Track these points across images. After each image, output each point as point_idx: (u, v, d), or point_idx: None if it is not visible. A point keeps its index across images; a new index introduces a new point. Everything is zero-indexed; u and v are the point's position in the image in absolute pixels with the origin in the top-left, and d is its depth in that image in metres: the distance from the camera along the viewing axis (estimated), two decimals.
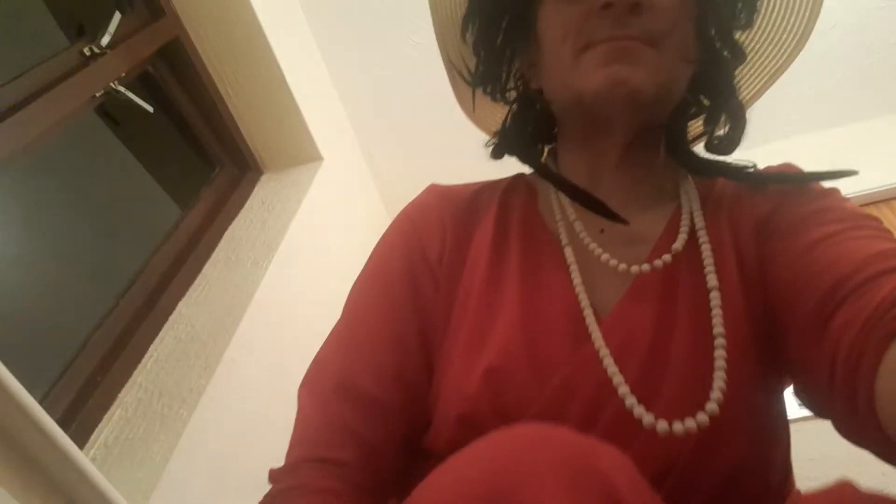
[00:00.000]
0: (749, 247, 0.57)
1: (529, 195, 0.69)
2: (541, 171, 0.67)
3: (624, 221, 0.59)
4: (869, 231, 0.51)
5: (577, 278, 0.58)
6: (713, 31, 0.61)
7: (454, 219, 0.65)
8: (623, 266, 0.58)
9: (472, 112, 0.74)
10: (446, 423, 0.55)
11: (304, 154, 1.99)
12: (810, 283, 0.48)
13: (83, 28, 1.52)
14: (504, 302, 0.58)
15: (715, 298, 0.54)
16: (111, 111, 1.62)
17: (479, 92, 0.71)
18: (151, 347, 1.35)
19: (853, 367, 0.41)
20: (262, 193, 1.92)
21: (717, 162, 0.64)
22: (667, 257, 0.57)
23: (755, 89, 0.69)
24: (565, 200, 0.64)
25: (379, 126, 2.23)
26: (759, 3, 0.63)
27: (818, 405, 0.52)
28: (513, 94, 0.72)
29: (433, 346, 0.60)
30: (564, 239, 0.61)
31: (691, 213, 0.60)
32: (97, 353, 1.29)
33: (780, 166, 0.64)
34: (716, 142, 0.65)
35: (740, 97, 0.65)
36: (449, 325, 0.59)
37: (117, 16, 1.54)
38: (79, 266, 2.56)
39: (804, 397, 0.55)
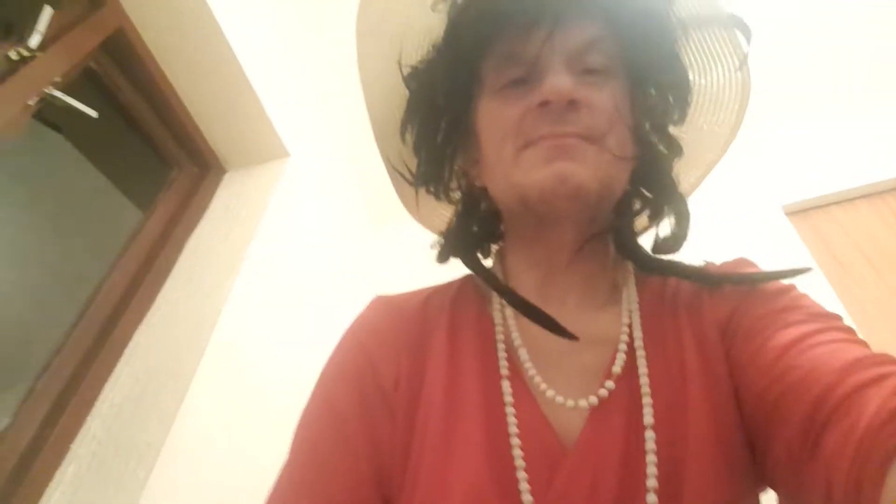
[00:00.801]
0: (715, 350, 0.55)
1: (481, 302, 0.65)
2: (487, 279, 0.64)
3: (573, 337, 0.55)
4: (836, 333, 0.49)
5: (513, 424, 0.53)
6: (648, 127, 0.62)
7: (408, 338, 0.61)
8: (570, 402, 0.54)
9: (416, 211, 0.73)
10: None
11: (268, 151, 1.85)
12: (789, 396, 0.46)
13: (11, 27, 1.35)
14: (465, 435, 0.53)
15: (650, 440, 0.50)
16: (51, 118, 1.46)
17: (423, 191, 0.69)
18: (107, 388, 1.25)
19: (854, 495, 0.39)
20: (225, 197, 1.78)
21: (667, 261, 0.62)
22: (609, 384, 0.54)
23: (694, 179, 0.70)
24: (510, 313, 0.61)
25: (354, 116, 2.08)
26: (690, 99, 0.64)
27: None
28: (457, 194, 0.70)
29: (392, 485, 0.54)
30: (504, 368, 0.57)
31: (630, 327, 0.58)
32: (47, 398, 1.18)
33: (735, 262, 0.63)
34: (661, 242, 0.64)
35: (680, 189, 0.66)
36: (408, 462, 0.54)
37: (48, 10, 1.37)
38: (36, 277, 2.42)
39: None
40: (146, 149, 1.76)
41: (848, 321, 1.70)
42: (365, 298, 0.69)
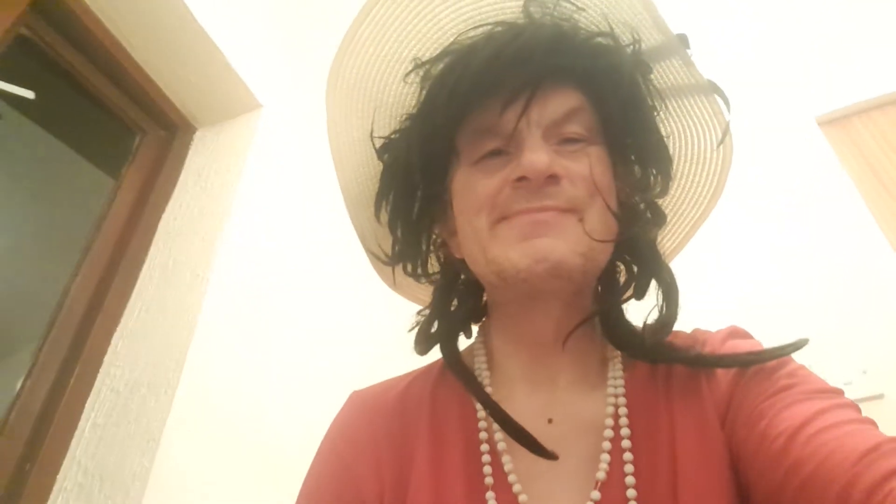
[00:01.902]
0: (715, 438, 0.52)
1: (463, 395, 0.61)
2: (468, 384, 0.59)
3: (553, 457, 0.52)
4: (841, 412, 0.47)
5: None
6: (631, 196, 0.61)
7: (389, 443, 0.59)
8: None
9: (395, 289, 0.71)
10: None
11: (238, 104, 1.67)
12: (805, 491, 0.43)
13: None
14: None
15: None
16: None
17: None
18: (87, 407, 1.18)
19: None
20: (198, 162, 1.63)
21: (656, 347, 0.57)
22: (595, 495, 0.51)
23: (676, 243, 0.69)
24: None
25: (329, 57, 1.86)
26: (671, 169, 0.63)
27: None
28: (436, 270, 0.69)
29: None
30: (489, 478, 0.54)
31: (616, 416, 0.55)
32: (24, 428, 1.13)
33: (727, 332, 0.60)
34: (651, 326, 0.59)
35: (664, 252, 0.66)
36: None
37: None
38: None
39: None
40: (105, 116, 1.60)
41: (883, 234, 1.52)
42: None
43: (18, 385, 1.15)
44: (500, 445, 0.56)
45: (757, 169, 1.83)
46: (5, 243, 2.62)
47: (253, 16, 1.73)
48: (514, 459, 0.55)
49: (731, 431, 0.51)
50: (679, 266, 0.65)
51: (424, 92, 0.61)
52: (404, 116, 0.65)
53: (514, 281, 0.54)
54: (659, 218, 0.62)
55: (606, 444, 0.53)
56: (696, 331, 0.62)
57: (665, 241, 0.68)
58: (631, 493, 0.51)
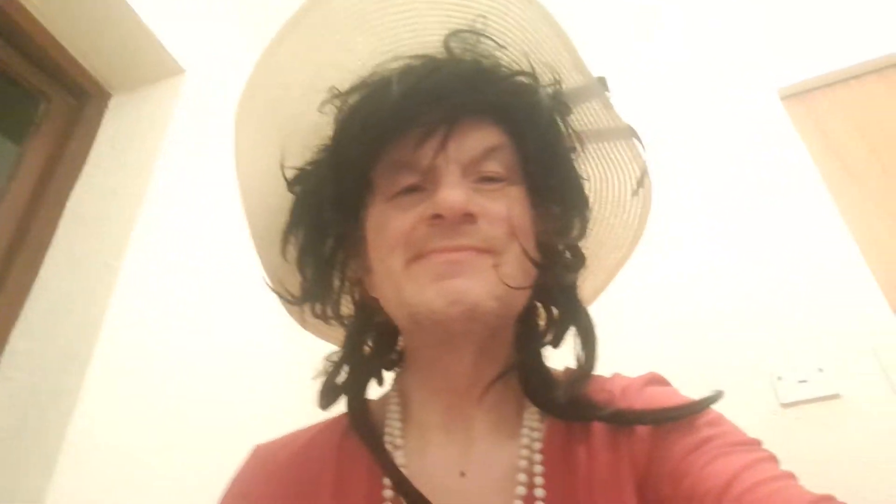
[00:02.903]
0: (629, 496, 0.50)
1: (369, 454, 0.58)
2: (371, 446, 0.56)
3: None
4: (765, 466, 0.47)
5: None
6: (549, 237, 0.59)
7: (285, 499, 0.56)
8: None
9: (304, 323, 0.66)
10: None
11: (157, 68, 1.51)
12: None
13: None
14: None
15: None
16: None
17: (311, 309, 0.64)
18: None
19: None
20: (112, 132, 1.47)
21: (572, 405, 0.55)
22: None
23: (599, 283, 0.68)
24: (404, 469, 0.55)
25: (259, 19, 1.70)
26: (588, 212, 0.61)
27: None
28: (349, 312, 0.64)
29: None
30: None
31: (531, 481, 0.52)
32: None
33: (644, 379, 0.59)
34: (570, 377, 0.57)
35: (583, 295, 0.63)
36: None
37: None
38: None
39: None
40: (2, 81, 1.42)
41: (844, 223, 1.44)
42: None
43: None
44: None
45: (715, 146, 1.76)
46: None
47: None
48: None
49: (655, 487, 0.50)
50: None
51: (339, 123, 0.58)
52: (319, 147, 0.61)
53: (427, 323, 0.52)
54: (578, 261, 0.61)
55: (518, 502, 0.51)
56: (615, 376, 0.60)
57: (586, 283, 0.65)
58: None
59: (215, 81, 1.62)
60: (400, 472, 0.53)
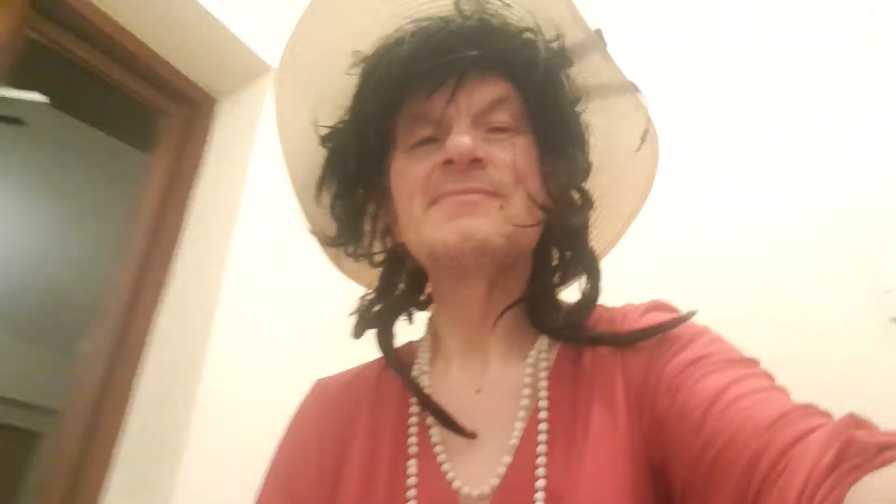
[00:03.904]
0: (624, 417, 0.54)
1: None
2: (391, 362, 0.65)
3: (470, 436, 0.56)
4: (756, 381, 0.49)
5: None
6: (560, 181, 0.62)
7: (335, 425, 0.65)
8: (475, 491, 0.54)
9: (340, 266, 0.74)
10: None
11: (248, 69, 1.66)
12: (719, 461, 0.45)
13: None
14: None
15: None
16: (5, 114, 1.38)
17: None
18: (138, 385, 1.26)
19: None
20: (220, 134, 1.67)
21: (574, 330, 0.61)
22: (507, 459, 0.55)
23: (612, 235, 0.72)
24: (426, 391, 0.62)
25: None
26: (589, 155, 0.65)
27: None
28: (379, 252, 0.71)
29: None
30: (413, 447, 0.59)
31: (536, 398, 0.58)
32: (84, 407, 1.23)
33: (648, 305, 0.62)
34: (572, 306, 0.63)
35: (599, 244, 0.70)
36: None
37: None
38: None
39: None
40: (126, 102, 1.65)
41: None
42: None
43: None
44: (430, 420, 0.60)
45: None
46: (49, 238, 2.88)
47: None
48: (441, 432, 0.59)
49: (652, 403, 0.53)
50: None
51: (360, 83, 0.64)
52: (347, 108, 0.66)
53: (444, 259, 0.58)
54: (586, 204, 0.64)
55: (522, 413, 0.56)
56: (624, 306, 0.64)
57: (606, 230, 0.71)
58: (541, 460, 0.53)
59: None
60: (421, 388, 0.61)
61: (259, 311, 1.37)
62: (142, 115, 1.68)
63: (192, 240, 1.51)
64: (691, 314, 0.58)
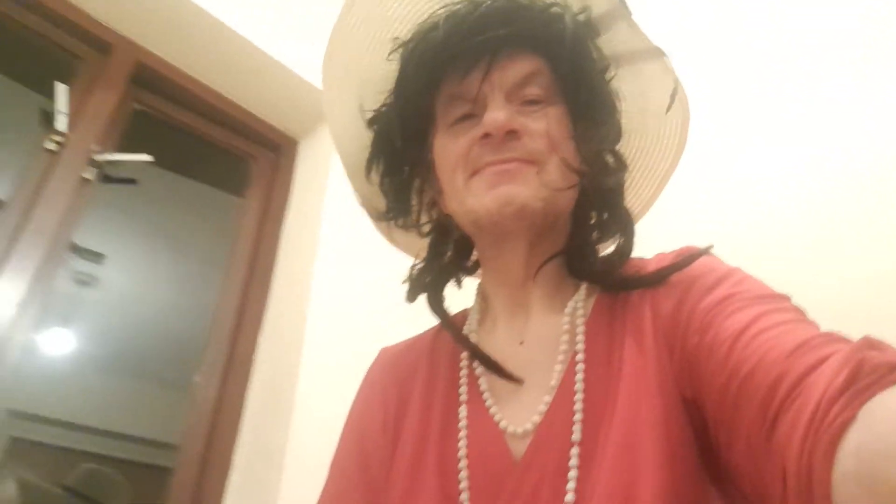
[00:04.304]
0: (654, 354, 0.57)
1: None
2: (440, 318, 0.70)
3: (516, 381, 0.61)
4: (784, 314, 0.50)
5: (463, 447, 0.60)
6: (592, 146, 0.65)
7: (395, 381, 0.71)
8: (512, 429, 0.59)
9: (391, 240, 0.79)
10: None
11: (317, 108, 1.80)
12: (744, 389, 0.46)
13: (48, 114, 1.45)
14: (428, 456, 0.62)
15: (574, 457, 0.54)
16: (115, 175, 1.57)
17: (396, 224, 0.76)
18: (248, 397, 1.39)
19: (806, 479, 0.39)
20: (301, 172, 1.83)
21: (608, 275, 0.65)
22: (547, 399, 0.58)
23: (649, 195, 0.75)
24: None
25: None
26: (621, 120, 0.69)
27: None
28: (427, 223, 0.76)
29: None
30: (464, 395, 0.64)
31: (574, 343, 0.61)
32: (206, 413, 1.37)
33: (680, 251, 0.64)
34: (607, 258, 0.68)
35: (638, 204, 0.74)
36: (388, 491, 0.63)
37: (61, 88, 1.44)
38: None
39: None
40: (221, 154, 1.84)
41: None
42: None
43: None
44: (479, 370, 0.65)
45: None
46: (166, 285, 3.13)
47: (302, 25, 1.81)
48: (489, 380, 0.64)
49: (683, 339, 0.55)
50: None
51: (400, 67, 0.69)
52: (390, 92, 0.71)
53: (486, 224, 0.63)
54: (620, 167, 0.67)
55: (561, 357, 0.60)
56: (656, 255, 0.66)
57: (641, 192, 0.75)
58: (578, 396, 0.57)
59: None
60: (470, 340, 0.67)
61: (342, 325, 1.47)
62: (234, 163, 1.85)
63: (284, 268, 1.65)
64: (709, 248, 0.61)
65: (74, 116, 1.45)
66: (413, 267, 0.75)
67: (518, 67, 0.64)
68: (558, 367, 0.60)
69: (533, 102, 0.64)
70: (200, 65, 1.69)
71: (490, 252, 0.69)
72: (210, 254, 2.14)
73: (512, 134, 0.61)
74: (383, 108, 0.72)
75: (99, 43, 1.57)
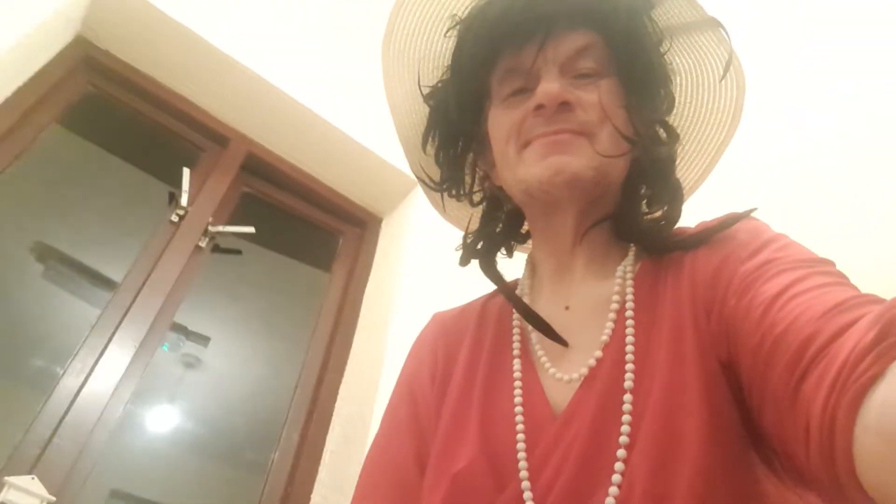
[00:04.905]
0: (695, 314, 0.57)
1: (506, 303, 0.73)
2: (494, 280, 0.72)
3: (563, 343, 0.62)
4: (824, 277, 0.49)
5: (518, 395, 0.61)
6: (644, 117, 0.65)
7: (445, 340, 0.74)
8: (563, 377, 0.60)
9: (444, 213, 0.81)
10: None
11: (400, 187, 2.00)
12: (775, 348, 0.46)
13: (173, 194, 1.71)
14: (472, 408, 0.63)
15: (627, 402, 0.54)
16: (225, 245, 1.80)
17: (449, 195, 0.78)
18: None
19: (828, 433, 0.39)
20: (383, 247, 2.00)
21: (654, 238, 0.66)
22: (598, 353, 0.59)
23: (703, 168, 0.75)
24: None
25: None
26: (674, 91, 0.70)
27: (798, 474, 0.49)
28: (479, 195, 0.78)
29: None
30: (517, 350, 0.66)
31: (623, 303, 0.62)
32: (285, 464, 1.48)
33: (721, 218, 0.64)
34: (654, 222, 0.69)
35: (691, 176, 0.75)
36: (434, 441, 0.64)
37: (186, 172, 1.72)
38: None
39: (786, 467, 0.51)
40: (312, 229, 2.05)
41: None
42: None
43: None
44: (530, 330, 0.67)
45: None
46: (259, 368, 3.31)
47: (384, 108, 2.04)
48: (540, 339, 0.65)
49: (721, 304, 0.55)
50: None
51: (457, 44, 0.71)
52: (446, 68, 0.74)
53: (537, 193, 0.64)
54: (671, 137, 0.69)
55: (612, 315, 0.62)
56: (699, 223, 0.67)
57: (694, 165, 0.75)
58: (629, 348, 0.58)
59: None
60: (516, 296, 0.69)
61: None
62: (324, 239, 2.07)
63: (361, 340, 1.78)
64: (751, 210, 0.62)
65: (194, 195, 1.71)
66: (465, 237, 0.77)
67: (572, 41, 0.64)
68: (609, 325, 0.61)
69: (586, 76, 0.65)
70: (300, 152, 1.95)
71: (540, 221, 0.71)
72: (296, 331, 2.33)
73: (565, 105, 0.62)
74: (440, 84, 0.74)
75: (219, 137, 1.87)
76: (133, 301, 1.48)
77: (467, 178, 0.77)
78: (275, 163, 1.94)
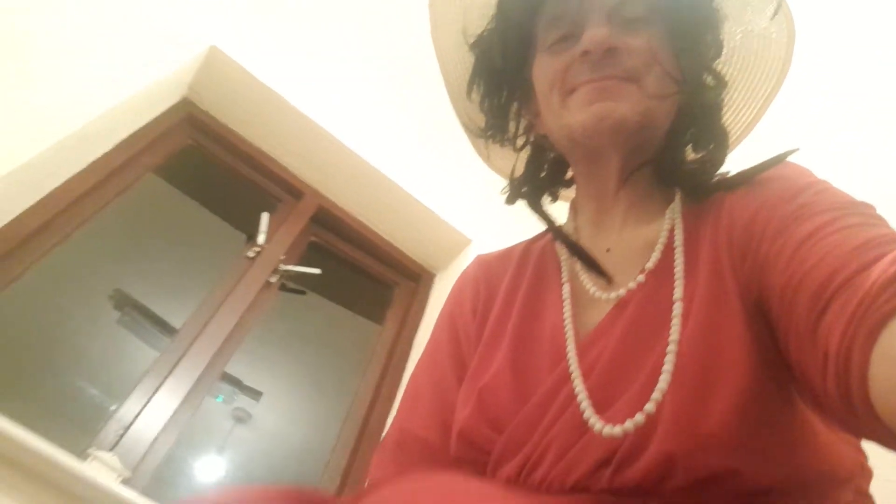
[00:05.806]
0: (733, 257, 0.57)
1: (551, 239, 0.76)
2: (542, 217, 0.74)
3: (606, 277, 0.64)
4: (857, 218, 0.49)
5: (567, 310, 0.64)
6: (691, 62, 0.66)
7: (486, 277, 0.76)
8: (605, 295, 0.62)
9: (487, 159, 0.83)
10: (454, 440, 0.63)
11: (454, 244, 2.14)
12: (802, 283, 0.47)
13: (251, 235, 1.91)
14: (505, 333, 0.66)
15: (677, 308, 0.55)
16: (291, 285, 1.97)
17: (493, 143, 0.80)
18: None
19: (844, 359, 0.40)
20: (434, 303, 2.12)
21: (698, 181, 0.66)
22: (640, 278, 0.60)
23: (750, 117, 0.74)
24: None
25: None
26: (723, 37, 0.70)
27: (816, 403, 0.49)
28: (523, 141, 0.79)
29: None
30: (565, 276, 0.68)
31: (671, 232, 0.63)
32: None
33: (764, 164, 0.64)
34: (696, 164, 0.69)
35: (738, 125, 0.74)
36: (472, 363, 0.68)
37: (265, 215, 1.92)
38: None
39: (805, 398, 0.52)
40: (369, 280, 2.21)
41: None
42: None
43: None
44: (563, 272, 0.68)
45: None
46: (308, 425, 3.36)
47: (444, 170, 2.17)
48: (583, 274, 0.67)
49: (757, 245, 0.55)
50: None
51: None
52: (491, 17, 0.74)
53: (581, 139, 0.64)
54: (719, 83, 0.69)
55: (659, 246, 0.62)
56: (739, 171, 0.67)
57: (741, 114, 0.75)
58: (679, 267, 0.58)
59: (496, 240, 2.19)
60: (562, 230, 0.70)
61: None
62: (379, 291, 2.21)
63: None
64: (793, 151, 0.61)
65: (269, 237, 1.90)
66: (511, 181, 0.78)
67: None
68: (655, 255, 0.61)
69: (633, 21, 0.64)
70: (364, 207, 2.14)
71: (583, 167, 0.71)
72: (344, 386, 2.43)
73: (611, 51, 0.61)
74: (485, 33, 0.74)
75: (294, 190, 2.08)
76: (189, 346, 1.60)
77: (511, 126, 0.77)
78: (341, 216, 2.13)
